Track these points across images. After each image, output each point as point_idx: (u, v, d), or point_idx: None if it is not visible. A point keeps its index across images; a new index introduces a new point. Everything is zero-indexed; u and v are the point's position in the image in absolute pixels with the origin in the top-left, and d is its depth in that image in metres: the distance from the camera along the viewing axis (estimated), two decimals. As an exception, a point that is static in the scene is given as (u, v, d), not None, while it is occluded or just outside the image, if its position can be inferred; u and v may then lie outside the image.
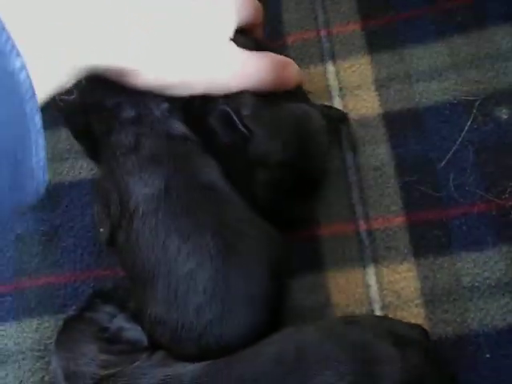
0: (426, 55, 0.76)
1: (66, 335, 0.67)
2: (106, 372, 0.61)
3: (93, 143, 0.70)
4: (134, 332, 0.65)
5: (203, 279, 0.60)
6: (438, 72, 0.75)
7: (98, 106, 0.65)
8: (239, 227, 0.63)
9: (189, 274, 0.60)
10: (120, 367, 0.61)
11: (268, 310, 0.63)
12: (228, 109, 0.64)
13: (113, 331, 0.65)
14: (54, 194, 0.82)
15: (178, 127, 0.66)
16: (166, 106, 0.65)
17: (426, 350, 0.57)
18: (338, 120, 0.74)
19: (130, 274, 0.66)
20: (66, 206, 0.81)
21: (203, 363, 0.58)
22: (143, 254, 0.62)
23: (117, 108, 0.64)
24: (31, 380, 0.75)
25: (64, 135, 0.83)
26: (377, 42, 0.78)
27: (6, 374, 0.76)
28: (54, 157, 0.84)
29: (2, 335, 0.78)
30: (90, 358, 0.63)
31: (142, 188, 0.63)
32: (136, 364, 0.62)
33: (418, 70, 0.76)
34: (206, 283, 0.60)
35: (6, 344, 0.78)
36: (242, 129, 0.64)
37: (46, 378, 0.74)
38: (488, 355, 0.64)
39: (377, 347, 0.55)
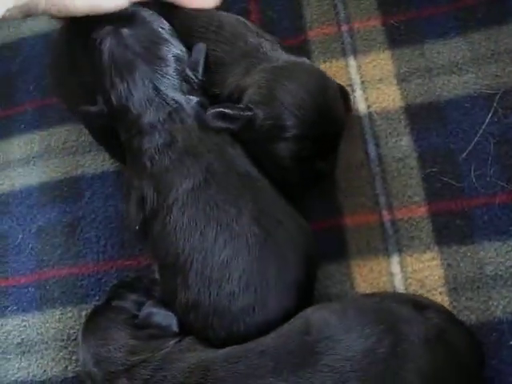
0: (446, 50, 0.78)
1: (94, 323, 0.67)
2: (136, 357, 0.62)
3: (116, 146, 0.72)
4: (163, 317, 0.65)
5: (239, 267, 0.61)
6: (459, 66, 0.77)
7: (126, 113, 0.66)
8: (275, 215, 0.64)
9: (224, 261, 0.61)
10: (150, 353, 0.62)
11: (300, 298, 0.63)
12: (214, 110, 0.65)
13: (142, 317, 0.65)
14: (77, 186, 0.83)
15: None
16: (196, 100, 0.67)
17: (446, 312, 0.59)
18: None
19: (161, 262, 0.66)
20: (89, 198, 0.82)
21: (233, 346, 0.59)
22: (179, 242, 0.63)
23: (146, 111, 0.65)
24: (54, 370, 0.75)
25: (85, 129, 0.84)
26: (397, 37, 0.80)
27: (29, 364, 0.77)
28: (77, 149, 0.85)
29: (25, 326, 0.78)
30: (121, 344, 0.64)
31: (182, 180, 0.64)
32: (166, 350, 0.62)
33: (439, 64, 0.77)
34: (241, 271, 0.61)
35: (28, 334, 0.78)
36: (242, 115, 0.65)
37: (70, 368, 0.74)
38: (511, 342, 0.66)
39: (397, 310, 0.56)
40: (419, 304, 0.58)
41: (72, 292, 0.78)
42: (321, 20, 0.83)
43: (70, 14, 0.67)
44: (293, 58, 0.69)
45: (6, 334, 0.79)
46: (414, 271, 0.71)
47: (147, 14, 0.69)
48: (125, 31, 0.66)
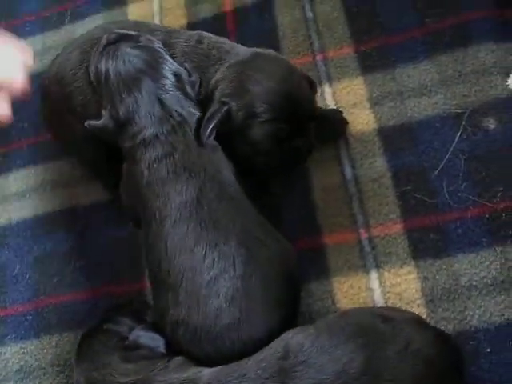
0: (415, 73, 0.82)
1: (87, 346, 0.70)
2: (127, 379, 0.64)
3: (107, 171, 0.77)
4: (151, 339, 0.68)
5: (225, 285, 0.64)
6: (428, 88, 0.81)
7: (131, 125, 0.70)
8: (259, 236, 0.67)
9: (212, 279, 0.64)
10: (140, 375, 0.65)
11: (283, 315, 0.66)
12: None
13: (131, 339, 0.68)
14: (70, 217, 0.87)
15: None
16: (197, 115, 0.70)
17: (415, 321, 0.61)
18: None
19: (154, 275, 0.70)
20: (82, 228, 0.85)
21: (217, 367, 0.62)
22: (171, 257, 0.66)
23: (151, 124, 0.69)
24: (53, 396, 0.78)
25: (76, 164, 0.88)
26: (369, 63, 0.84)
27: (28, 390, 0.80)
28: (70, 182, 0.89)
29: (23, 353, 0.81)
30: (112, 367, 0.66)
31: (176, 196, 0.67)
32: (154, 371, 0.65)
33: (409, 87, 0.81)
34: (227, 289, 0.64)
35: (26, 361, 0.81)
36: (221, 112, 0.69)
37: (67, 392, 0.77)
38: (488, 349, 0.68)
39: (368, 326, 0.59)
40: (389, 317, 0.61)
41: (68, 318, 0.81)
42: (296, 51, 0.88)
43: None
44: (257, 49, 0.74)
45: (5, 362, 0.82)
46: (392, 285, 0.73)
47: (146, 36, 0.74)
48: (128, 49, 0.71)
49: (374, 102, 0.82)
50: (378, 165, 0.79)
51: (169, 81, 0.71)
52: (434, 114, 0.79)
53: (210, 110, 0.69)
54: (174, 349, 0.67)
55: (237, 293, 0.64)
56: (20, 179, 0.92)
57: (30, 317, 0.83)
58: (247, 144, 0.71)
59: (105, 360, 0.67)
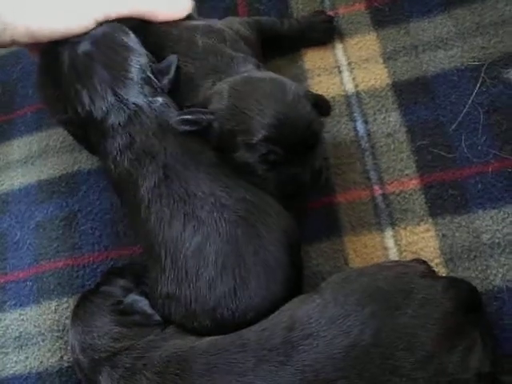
0: (430, 27, 0.78)
1: (83, 309, 0.67)
2: (119, 345, 0.61)
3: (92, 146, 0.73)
4: (147, 305, 0.64)
5: (211, 251, 0.60)
6: (444, 41, 0.77)
7: (91, 119, 0.68)
8: (245, 197, 0.63)
9: (196, 248, 0.60)
10: (133, 340, 0.61)
11: (284, 280, 0.61)
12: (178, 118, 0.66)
13: (127, 303, 0.65)
14: (73, 181, 0.84)
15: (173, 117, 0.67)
16: (160, 102, 0.68)
17: (424, 275, 0.57)
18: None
19: (145, 252, 0.67)
20: (85, 192, 0.82)
21: (214, 337, 0.58)
22: (152, 235, 0.63)
23: (107, 116, 0.67)
24: (51, 360, 0.74)
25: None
26: (382, 18, 0.81)
27: (27, 357, 0.76)
28: (74, 148, 0.86)
29: (23, 319, 0.78)
30: (105, 330, 0.63)
31: (143, 181, 0.64)
32: (149, 337, 0.61)
33: (424, 40, 0.77)
34: (215, 255, 0.60)
35: (26, 327, 0.78)
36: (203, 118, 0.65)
37: (65, 358, 0.74)
38: (513, 310, 0.63)
39: (378, 290, 0.54)
40: (393, 277, 0.57)
41: (68, 283, 0.78)
42: (306, 9, 0.84)
43: (36, 40, 0.68)
44: (258, 72, 0.70)
45: (4, 329, 0.78)
46: (409, 244, 0.69)
47: (111, 25, 0.71)
48: (85, 42, 0.68)
49: (388, 57, 0.78)
50: (391, 120, 0.75)
51: (128, 70, 0.68)
52: (451, 67, 0.75)
53: (197, 110, 0.66)
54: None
55: (227, 258, 0.60)
56: (23, 146, 0.90)
57: (30, 283, 0.80)
58: (242, 167, 0.66)
59: (98, 323, 0.64)
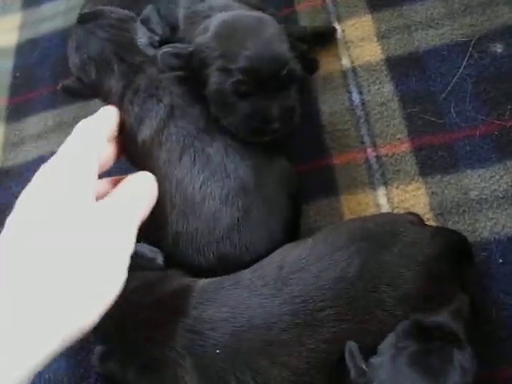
0: (422, 9, 0.83)
1: None
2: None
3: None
4: (148, 249, 0.66)
5: (218, 185, 0.63)
6: (435, 21, 0.82)
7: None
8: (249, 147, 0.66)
9: (204, 182, 0.64)
10: (136, 282, 0.62)
11: (283, 221, 0.65)
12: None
13: None
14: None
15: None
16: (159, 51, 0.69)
17: (412, 221, 0.60)
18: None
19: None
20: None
21: (213, 278, 0.61)
22: (162, 172, 0.66)
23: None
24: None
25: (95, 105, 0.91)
26: (377, 2, 0.86)
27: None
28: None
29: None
30: None
31: (152, 122, 0.67)
32: (150, 278, 0.63)
33: (416, 21, 0.83)
34: (221, 189, 0.63)
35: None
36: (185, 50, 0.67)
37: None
38: (500, 260, 0.66)
39: (368, 229, 0.58)
40: (383, 222, 0.60)
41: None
42: (309, -3, 0.91)
43: None
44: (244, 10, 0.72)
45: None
46: (401, 201, 0.72)
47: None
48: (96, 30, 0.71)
49: (382, 36, 0.83)
50: (385, 90, 0.79)
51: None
52: (441, 43, 0.80)
53: (180, 44, 0.69)
54: (175, 262, 0.66)
55: (232, 191, 0.63)
56: (38, 122, 0.94)
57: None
58: (211, 99, 0.67)
59: None
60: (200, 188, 0.64)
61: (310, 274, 0.54)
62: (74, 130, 0.60)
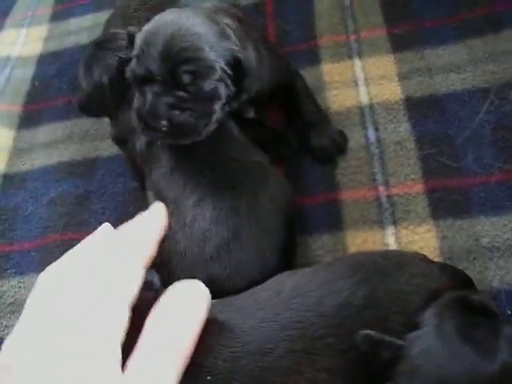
0: (445, 54, 0.83)
1: None
2: None
3: None
4: (147, 272, 0.65)
5: (208, 208, 0.62)
6: (457, 66, 0.81)
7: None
8: (244, 163, 0.65)
9: (195, 203, 0.63)
10: None
11: (274, 240, 0.63)
12: None
13: None
14: (92, 166, 0.88)
15: None
16: None
17: (420, 258, 0.57)
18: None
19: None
20: (101, 176, 0.85)
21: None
22: (160, 187, 0.66)
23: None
24: (41, 326, 0.74)
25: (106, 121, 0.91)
26: (400, 44, 0.86)
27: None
28: (97, 137, 0.91)
29: (20, 287, 0.79)
30: None
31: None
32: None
33: (438, 65, 0.82)
34: (211, 211, 0.62)
35: (22, 295, 0.78)
36: None
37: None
38: (509, 312, 0.62)
39: (371, 262, 0.55)
40: (390, 255, 0.58)
41: (72, 255, 0.79)
42: (331, 30, 0.90)
43: None
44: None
45: (0, 294, 0.79)
46: (410, 242, 0.70)
47: None
48: None
49: (403, 77, 0.82)
50: (401, 129, 0.78)
51: None
52: (462, 88, 0.79)
53: None
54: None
55: (222, 211, 0.62)
56: (49, 131, 0.94)
57: (34, 253, 0.81)
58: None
59: None
60: (192, 208, 0.63)
61: (311, 300, 0.51)
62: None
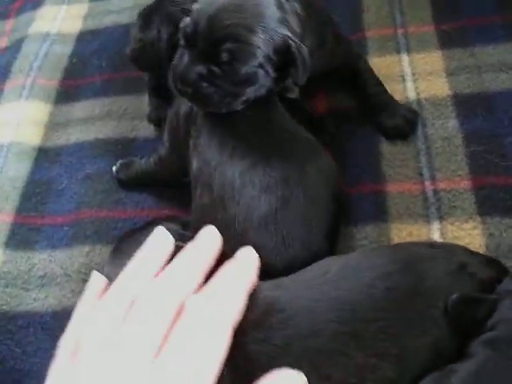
0: (495, 53, 0.81)
1: (126, 245, 0.66)
2: None
3: None
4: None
5: (258, 174, 0.61)
6: (507, 66, 0.80)
7: None
8: (296, 135, 0.65)
9: (243, 171, 0.62)
10: None
11: (321, 214, 0.62)
12: None
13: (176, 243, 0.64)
14: (130, 146, 0.86)
15: None
16: None
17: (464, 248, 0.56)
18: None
19: (194, 180, 0.67)
20: (140, 158, 0.83)
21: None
22: (204, 157, 0.65)
23: None
24: (72, 300, 0.72)
25: (146, 101, 0.90)
26: (448, 40, 0.85)
27: (46, 296, 0.75)
28: (135, 116, 0.90)
29: (51, 260, 0.77)
30: None
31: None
32: None
33: (488, 63, 0.81)
34: (261, 178, 0.61)
35: (52, 268, 0.77)
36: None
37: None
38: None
39: (414, 250, 0.54)
40: (436, 244, 0.58)
41: (105, 232, 0.77)
42: (378, 23, 0.89)
43: None
44: None
45: (30, 266, 0.77)
46: (455, 238, 0.68)
47: None
48: None
49: (450, 73, 0.81)
50: (449, 126, 0.76)
51: None
52: (513, 87, 0.78)
53: None
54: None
55: (271, 179, 0.61)
56: (86, 107, 0.93)
57: (67, 227, 0.80)
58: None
59: None
60: (240, 175, 0.62)
61: (361, 282, 0.50)
62: None
